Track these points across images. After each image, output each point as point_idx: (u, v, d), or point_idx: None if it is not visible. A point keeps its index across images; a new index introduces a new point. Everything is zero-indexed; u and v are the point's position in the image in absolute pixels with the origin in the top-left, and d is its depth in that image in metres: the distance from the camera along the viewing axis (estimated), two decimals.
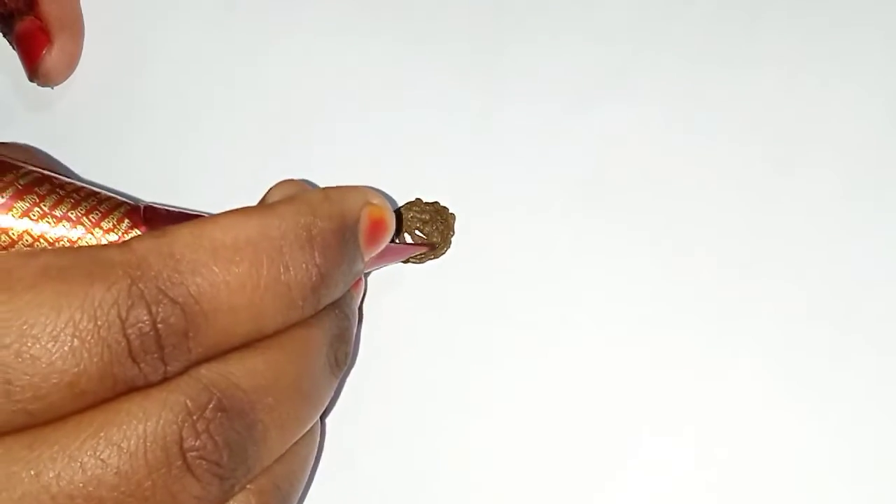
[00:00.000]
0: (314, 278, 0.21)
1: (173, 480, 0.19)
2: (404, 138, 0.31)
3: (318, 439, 0.25)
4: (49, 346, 0.18)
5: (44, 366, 0.18)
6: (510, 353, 0.29)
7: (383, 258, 0.26)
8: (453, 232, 0.30)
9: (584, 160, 0.30)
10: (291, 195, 0.22)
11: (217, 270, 0.20)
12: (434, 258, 0.30)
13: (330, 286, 0.22)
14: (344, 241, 0.22)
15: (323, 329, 0.23)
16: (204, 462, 0.20)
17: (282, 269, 0.20)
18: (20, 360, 0.18)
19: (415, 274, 0.30)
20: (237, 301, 0.20)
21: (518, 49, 0.32)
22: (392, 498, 0.28)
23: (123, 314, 0.19)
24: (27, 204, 0.21)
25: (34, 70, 0.31)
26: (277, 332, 0.21)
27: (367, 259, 0.24)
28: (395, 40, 0.32)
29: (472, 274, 0.29)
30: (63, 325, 0.18)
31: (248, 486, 0.21)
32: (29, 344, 0.18)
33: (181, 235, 0.20)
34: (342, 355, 0.24)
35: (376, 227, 0.23)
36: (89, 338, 0.18)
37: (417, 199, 0.30)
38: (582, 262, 0.29)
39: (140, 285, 0.19)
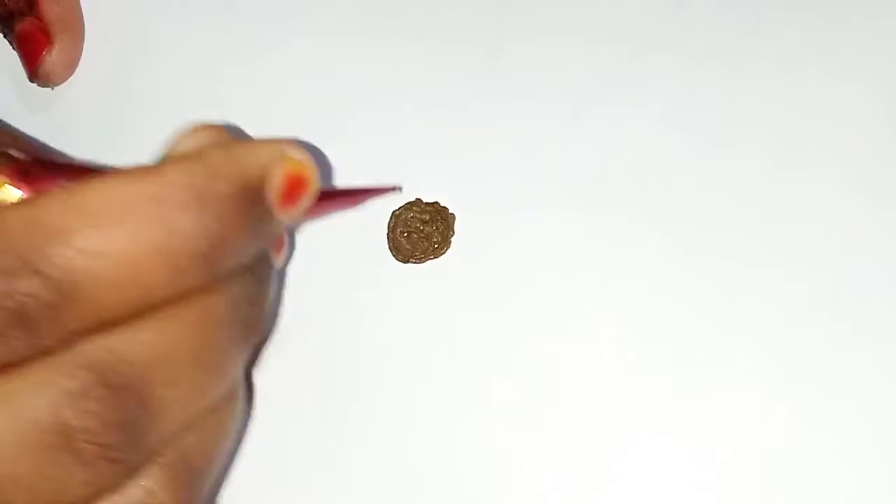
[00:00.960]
0: (204, 245, 0.19)
1: (59, 468, 0.18)
2: (404, 138, 0.31)
3: (237, 409, 0.23)
4: None
5: None
6: (510, 353, 0.29)
7: (324, 209, 0.24)
8: (453, 232, 0.30)
9: (584, 160, 0.30)
10: (189, 152, 0.20)
11: (89, 239, 0.18)
12: (434, 258, 0.30)
13: (228, 253, 0.20)
14: (243, 202, 0.19)
15: (226, 295, 0.20)
16: (91, 446, 0.18)
17: (166, 236, 0.18)
18: None
19: (415, 274, 0.30)
20: (113, 271, 0.18)
21: (518, 49, 0.32)
22: (390, 497, 0.28)
23: None
24: None
25: (34, 71, 0.31)
26: (171, 301, 0.19)
27: (286, 220, 0.21)
28: (395, 40, 0.32)
29: (471, 274, 0.29)
30: None
31: (157, 462, 0.20)
32: None
33: (51, 200, 0.18)
34: (254, 319, 0.21)
35: (295, 185, 0.21)
36: None
37: (417, 199, 0.30)
38: (582, 261, 0.29)
39: (2, 257, 0.17)
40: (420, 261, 0.30)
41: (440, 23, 0.32)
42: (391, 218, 0.30)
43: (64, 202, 0.18)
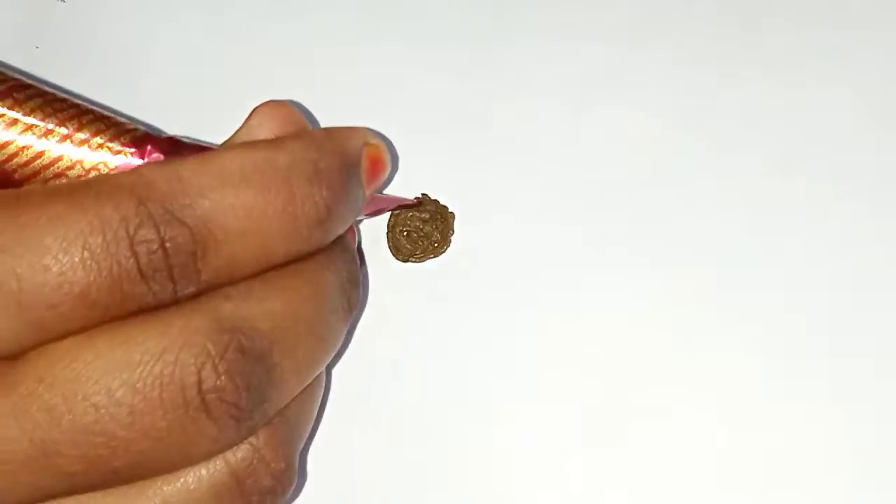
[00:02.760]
0: (321, 211, 0.21)
1: (190, 421, 0.19)
2: (404, 137, 0.31)
3: (324, 381, 0.25)
4: (60, 256, 0.19)
5: (55, 275, 0.19)
6: (510, 352, 0.29)
7: (373, 206, 0.27)
8: (453, 231, 0.30)
9: (584, 160, 0.30)
10: (296, 133, 0.23)
11: (224, 194, 0.20)
12: (434, 257, 0.30)
13: (335, 220, 0.22)
14: (348, 176, 0.22)
15: (335, 271, 0.23)
16: (223, 404, 0.20)
17: (289, 199, 0.21)
18: (32, 269, 0.19)
19: (414, 273, 0.30)
20: (244, 225, 0.20)
21: (518, 49, 0.32)
22: (388, 497, 0.28)
23: (132, 231, 0.19)
24: (30, 118, 0.21)
25: None
26: (292, 273, 0.22)
27: (369, 195, 0.24)
28: (394, 40, 0.32)
29: (471, 273, 0.29)
30: (73, 238, 0.19)
31: (267, 424, 0.21)
32: (40, 254, 0.19)
33: (189, 162, 0.20)
34: (354, 298, 0.24)
35: (375, 166, 0.24)
36: (99, 251, 0.19)
37: (417, 197, 0.30)
38: (581, 261, 0.29)
39: (148, 206, 0.19)
40: (420, 260, 0.30)
41: (440, 23, 0.32)
42: (391, 217, 0.30)
43: (202, 163, 0.20)
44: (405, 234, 0.30)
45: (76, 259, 0.19)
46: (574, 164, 0.30)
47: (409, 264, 0.30)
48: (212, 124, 0.32)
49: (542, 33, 0.32)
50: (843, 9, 0.32)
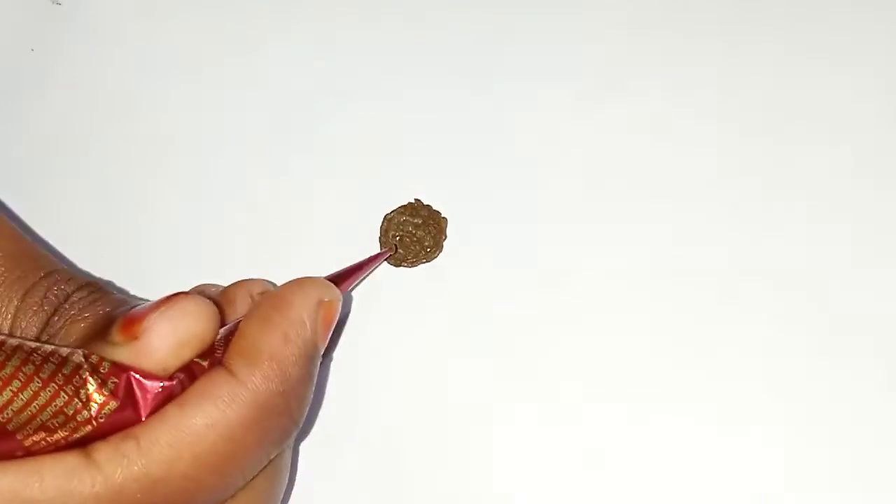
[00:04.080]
0: (290, 428, 0.23)
1: None
2: (397, 142, 0.31)
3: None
4: None
5: None
6: (502, 356, 0.29)
7: (351, 282, 0.28)
8: (445, 236, 0.30)
9: (577, 164, 0.30)
10: (254, 355, 0.22)
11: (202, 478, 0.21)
12: (426, 262, 0.30)
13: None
14: (312, 369, 0.23)
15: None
16: None
17: (262, 449, 0.22)
18: None
19: (407, 277, 0.30)
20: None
21: (513, 54, 0.32)
22: (388, 497, 0.28)
23: None
24: None
25: None
26: None
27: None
28: (394, 41, 0.32)
29: (463, 278, 0.29)
30: None
31: None
32: None
33: (157, 449, 0.20)
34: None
35: (330, 323, 0.24)
36: None
37: (410, 202, 0.30)
38: (574, 264, 0.29)
39: None
40: (412, 265, 0.30)
41: (439, 24, 0.32)
42: (384, 222, 0.30)
43: (174, 447, 0.20)
44: (398, 238, 0.30)
45: None
46: (567, 169, 0.30)
47: (401, 269, 0.30)
48: (211, 125, 0.32)
49: (542, 34, 0.32)
50: (841, 9, 0.32)
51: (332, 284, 0.24)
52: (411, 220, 0.30)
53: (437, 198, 0.30)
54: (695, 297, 0.29)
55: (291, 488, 0.28)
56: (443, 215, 0.30)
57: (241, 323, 0.22)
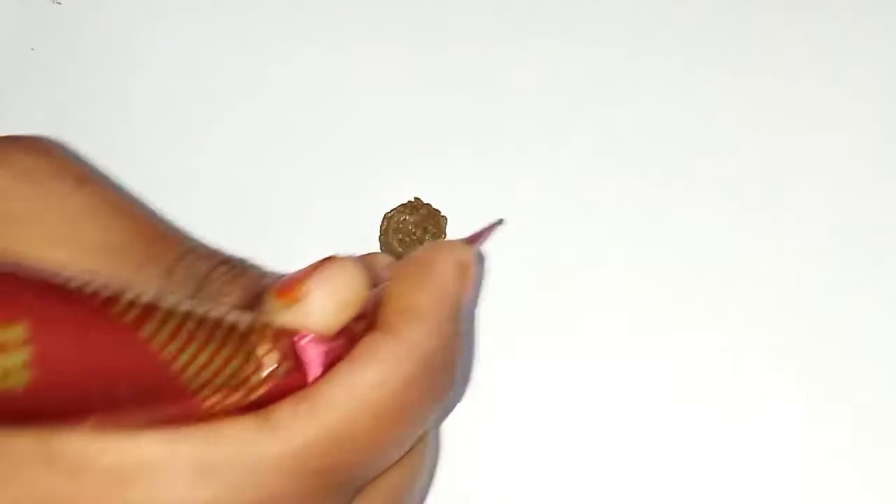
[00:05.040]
0: (449, 385, 0.22)
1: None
2: (397, 141, 0.31)
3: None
4: None
5: None
6: (503, 354, 0.29)
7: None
8: (445, 235, 0.30)
9: (577, 163, 0.31)
10: (413, 313, 0.21)
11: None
12: None
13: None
14: (463, 325, 0.23)
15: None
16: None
17: (429, 406, 0.21)
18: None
19: None
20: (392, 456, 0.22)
21: (513, 53, 0.32)
22: None
23: None
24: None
25: None
26: None
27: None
28: (394, 41, 0.32)
29: None
30: None
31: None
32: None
33: (335, 410, 0.20)
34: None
35: (472, 281, 0.23)
36: None
37: (409, 201, 0.30)
38: (575, 264, 0.29)
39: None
40: None
41: (439, 24, 0.33)
42: (383, 221, 0.30)
43: (350, 408, 0.20)
44: (397, 237, 0.30)
45: None
46: (567, 168, 0.31)
47: None
48: (209, 125, 0.32)
49: (542, 35, 0.32)
50: (840, 9, 0.32)
51: (469, 245, 0.24)
52: (411, 219, 0.30)
53: (437, 198, 0.30)
54: (695, 297, 0.29)
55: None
56: (443, 215, 0.30)
57: (390, 285, 0.22)
